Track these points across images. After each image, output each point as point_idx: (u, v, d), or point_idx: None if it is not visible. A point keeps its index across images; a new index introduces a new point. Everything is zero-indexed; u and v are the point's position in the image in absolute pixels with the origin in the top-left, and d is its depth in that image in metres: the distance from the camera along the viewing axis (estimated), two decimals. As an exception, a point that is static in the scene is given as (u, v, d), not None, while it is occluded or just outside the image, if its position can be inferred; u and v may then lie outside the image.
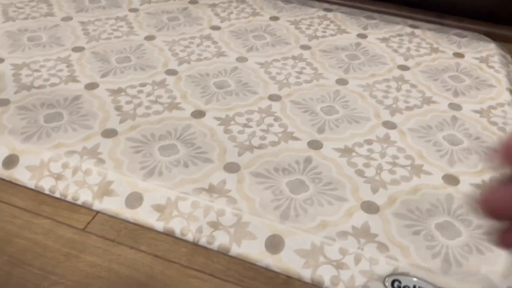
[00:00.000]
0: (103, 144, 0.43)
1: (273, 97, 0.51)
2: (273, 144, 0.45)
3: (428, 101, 0.52)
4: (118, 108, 0.48)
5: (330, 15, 0.68)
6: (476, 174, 0.42)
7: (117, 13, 0.65)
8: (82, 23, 0.62)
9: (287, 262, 0.35)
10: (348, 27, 0.65)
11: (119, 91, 0.50)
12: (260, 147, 0.44)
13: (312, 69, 0.56)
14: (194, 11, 0.67)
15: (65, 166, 0.41)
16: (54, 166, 0.41)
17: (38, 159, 0.42)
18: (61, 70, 0.53)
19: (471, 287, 0.33)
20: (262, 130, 0.46)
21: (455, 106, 0.51)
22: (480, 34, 0.67)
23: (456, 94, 0.53)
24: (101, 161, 0.41)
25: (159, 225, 0.38)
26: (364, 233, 0.37)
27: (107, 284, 0.34)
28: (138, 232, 0.38)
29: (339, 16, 0.68)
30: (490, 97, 0.53)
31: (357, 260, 0.35)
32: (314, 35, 0.63)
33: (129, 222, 0.38)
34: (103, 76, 0.52)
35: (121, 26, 0.62)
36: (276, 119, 0.48)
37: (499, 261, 0.35)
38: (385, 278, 0.34)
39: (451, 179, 0.42)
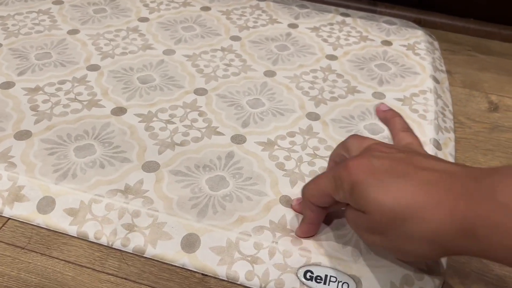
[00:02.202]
0: (16, 147, 0.41)
1: (199, 91, 0.50)
2: (196, 140, 0.44)
3: (353, 90, 0.52)
4: (34, 108, 0.46)
5: (262, 4, 0.68)
6: (393, 163, 0.43)
7: (40, 5, 0.62)
8: (0, 17, 0.59)
9: (202, 260, 0.35)
10: (280, 17, 0.65)
11: (36, 89, 0.48)
12: (182, 144, 0.44)
13: (241, 61, 0.56)
14: (122, 2, 0.65)
15: (-27, 172, 0.39)
16: (-39, 173, 0.39)
17: None
18: (-26, 69, 0.50)
19: (381, 274, 0.34)
20: (185, 126, 0.46)
21: (379, 95, 0.52)
22: (409, 21, 0.68)
23: (381, 82, 0.54)
24: (12, 165, 0.40)
25: (72, 230, 0.37)
26: (280, 227, 0.37)
27: (15, 294, 0.33)
28: (50, 238, 0.37)
29: (271, 5, 0.68)
30: (414, 85, 0.54)
31: (272, 253, 0.35)
32: (245, 25, 0.62)
33: (41, 227, 0.37)
34: (20, 74, 0.50)
35: (43, 20, 0.59)
36: (201, 114, 0.47)
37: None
38: (298, 269, 0.35)
39: (369, 169, 0.43)
